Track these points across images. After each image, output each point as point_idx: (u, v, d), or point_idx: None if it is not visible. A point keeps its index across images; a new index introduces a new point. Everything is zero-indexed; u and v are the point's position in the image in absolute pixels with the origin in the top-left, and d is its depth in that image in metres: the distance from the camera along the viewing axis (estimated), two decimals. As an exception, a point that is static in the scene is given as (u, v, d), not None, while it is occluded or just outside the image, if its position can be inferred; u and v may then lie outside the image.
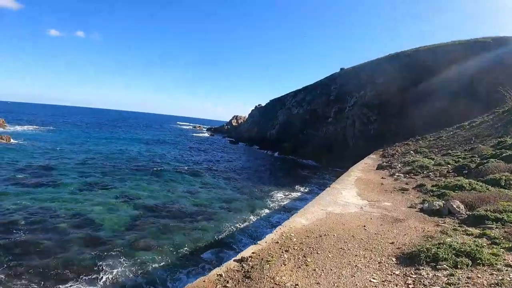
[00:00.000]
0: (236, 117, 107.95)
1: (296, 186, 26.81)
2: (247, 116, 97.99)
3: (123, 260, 11.19)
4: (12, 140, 38.83)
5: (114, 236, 13.29)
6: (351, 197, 8.58)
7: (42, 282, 9.52)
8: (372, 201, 8.29)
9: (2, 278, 9.48)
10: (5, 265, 10.19)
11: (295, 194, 24.08)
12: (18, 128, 56.06)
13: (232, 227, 15.33)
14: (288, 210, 18.27)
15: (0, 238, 11.98)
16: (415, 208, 7.58)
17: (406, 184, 10.48)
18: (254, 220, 16.81)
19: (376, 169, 15.10)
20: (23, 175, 21.74)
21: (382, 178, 12.21)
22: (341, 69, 59.98)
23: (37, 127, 62.28)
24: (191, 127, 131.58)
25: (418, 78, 38.19)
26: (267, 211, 18.76)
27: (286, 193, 24.08)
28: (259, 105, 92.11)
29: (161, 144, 53.59)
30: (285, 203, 21.08)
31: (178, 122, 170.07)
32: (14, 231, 12.77)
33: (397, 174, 12.63)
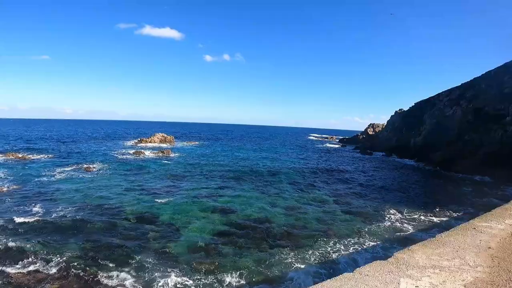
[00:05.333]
0: (372, 125, 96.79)
1: (437, 209, 19.34)
2: (385, 124, 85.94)
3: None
4: (171, 154, 48.28)
5: (184, 250, 12.71)
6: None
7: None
8: None
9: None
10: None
11: (434, 220, 16.98)
12: (181, 144, 70.00)
13: (308, 260, 12.12)
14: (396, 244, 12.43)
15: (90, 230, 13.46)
16: None
17: None
18: (337, 255, 12.56)
19: None
20: (152, 183, 25.59)
21: None
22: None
23: (196, 142, 76.06)
24: (322, 138, 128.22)
25: None
26: (369, 243, 13.74)
27: (415, 219, 17.40)
28: (400, 110, 78.95)
29: (283, 155, 53.52)
30: (398, 235, 15.08)
31: (311, 134, 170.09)
32: (109, 228, 14.26)
33: None
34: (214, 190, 24.21)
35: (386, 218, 17.99)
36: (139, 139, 69.46)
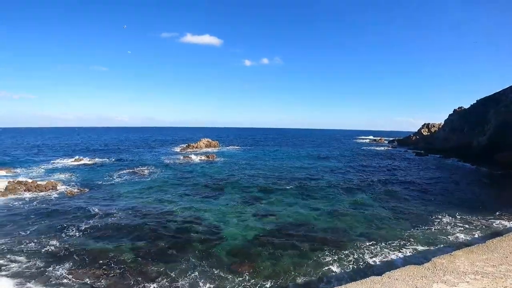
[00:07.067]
0: (427, 125, 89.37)
1: (497, 213, 17.48)
2: (442, 124, 78.86)
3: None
4: (216, 158, 50.21)
5: (226, 253, 13.18)
6: None
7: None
8: None
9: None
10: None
11: (492, 226, 15.05)
12: (225, 148, 72.36)
13: (344, 263, 11.78)
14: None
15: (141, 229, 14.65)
16: None
17: None
18: (375, 258, 11.87)
19: None
20: (198, 187, 27.06)
21: None
22: None
23: (238, 147, 78.00)
24: (370, 140, 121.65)
25: None
26: (413, 247, 12.78)
27: (469, 224, 15.76)
28: (459, 108, 72.30)
29: (325, 159, 51.99)
30: (447, 240, 13.79)
31: (357, 136, 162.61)
32: (158, 230, 15.47)
33: None
34: (257, 194, 24.63)
35: (436, 222, 16.84)
36: (187, 144, 73.41)
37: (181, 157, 49.55)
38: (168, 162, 44.38)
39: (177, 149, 66.93)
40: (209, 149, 66.76)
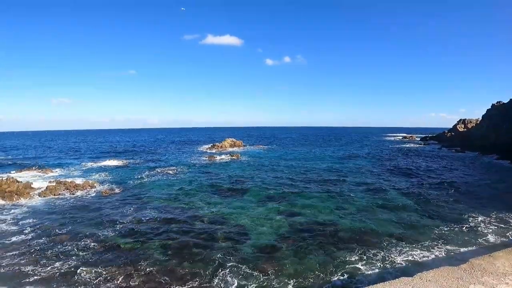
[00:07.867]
0: (463, 121, 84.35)
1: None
2: (480, 119, 74.05)
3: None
4: (240, 157, 50.72)
5: (250, 251, 13.24)
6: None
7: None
8: None
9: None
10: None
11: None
12: (249, 148, 72.79)
13: (372, 263, 11.35)
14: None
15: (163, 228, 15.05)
16: None
17: None
18: (405, 259, 11.19)
19: None
20: (223, 186, 27.51)
21: None
22: None
23: (263, 146, 78.17)
24: (400, 137, 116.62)
25: None
26: (446, 247, 12.11)
27: (506, 224, 14.65)
28: (498, 102, 67.64)
29: (353, 158, 50.52)
30: (481, 241, 12.93)
31: (387, 134, 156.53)
32: (186, 228, 15.96)
33: None
34: (281, 193, 24.55)
35: (470, 222, 16.08)
36: (212, 144, 74.79)
37: (206, 157, 50.59)
38: (194, 162, 45.52)
39: (203, 149, 68.39)
40: (234, 149, 67.49)
